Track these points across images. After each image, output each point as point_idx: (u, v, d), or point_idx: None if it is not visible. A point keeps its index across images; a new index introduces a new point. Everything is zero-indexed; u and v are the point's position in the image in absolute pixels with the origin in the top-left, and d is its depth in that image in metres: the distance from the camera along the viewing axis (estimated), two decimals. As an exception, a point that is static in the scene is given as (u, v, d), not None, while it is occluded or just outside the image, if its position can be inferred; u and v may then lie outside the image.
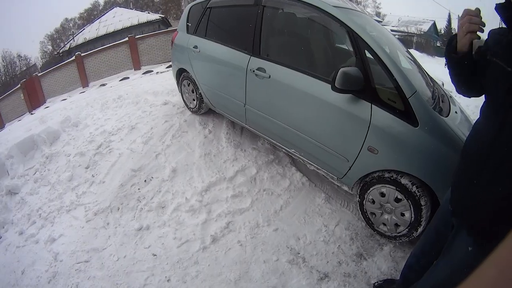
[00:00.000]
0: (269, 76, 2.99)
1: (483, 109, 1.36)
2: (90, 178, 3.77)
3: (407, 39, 29.23)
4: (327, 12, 2.64)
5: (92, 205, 3.36)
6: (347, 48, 2.87)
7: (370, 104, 2.36)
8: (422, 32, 34.83)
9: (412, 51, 18.97)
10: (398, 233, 2.54)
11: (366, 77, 2.33)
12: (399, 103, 2.26)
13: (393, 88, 2.29)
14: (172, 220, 3.04)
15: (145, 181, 3.55)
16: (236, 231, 2.88)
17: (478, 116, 1.41)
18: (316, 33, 3.18)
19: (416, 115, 2.19)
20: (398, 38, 3.70)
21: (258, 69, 3.08)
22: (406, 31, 35.08)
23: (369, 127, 2.37)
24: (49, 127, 4.91)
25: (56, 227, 3.22)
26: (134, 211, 3.20)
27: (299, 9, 2.98)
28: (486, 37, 1.42)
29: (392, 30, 32.74)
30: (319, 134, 2.77)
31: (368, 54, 2.40)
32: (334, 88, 2.30)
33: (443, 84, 3.51)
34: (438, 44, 35.77)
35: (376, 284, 2.40)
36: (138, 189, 3.46)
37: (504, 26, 1.32)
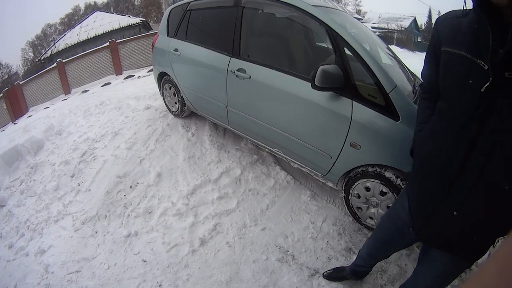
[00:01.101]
0: (250, 77, 3.00)
1: (444, 111, 1.19)
2: (76, 186, 3.72)
3: (388, 36, 29.48)
4: (306, 11, 2.66)
5: (80, 214, 3.32)
6: (327, 46, 2.90)
7: (350, 100, 2.38)
8: (402, 28, 35.25)
9: (393, 47, 19.14)
10: None
11: (346, 74, 2.35)
12: (380, 98, 2.28)
13: (373, 84, 2.31)
14: (159, 225, 3.03)
15: (130, 187, 3.53)
16: (224, 232, 2.88)
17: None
18: (296, 32, 3.19)
19: (397, 109, 2.21)
20: (378, 35, 3.74)
21: (239, 70, 3.09)
22: (387, 27, 35.41)
23: (350, 123, 2.39)
24: (33, 137, 4.83)
25: (45, 238, 3.18)
26: (122, 218, 3.18)
27: (278, 9, 2.99)
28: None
29: (373, 27, 33.07)
30: (301, 132, 2.80)
31: (348, 52, 2.41)
32: (314, 86, 2.31)
33: None
34: (419, 40, 36.30)
35: (325, 273, 2.46)
36: (124, 195, 3.44)
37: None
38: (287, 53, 3.07)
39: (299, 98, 2.65)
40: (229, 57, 3.21)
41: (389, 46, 3.43)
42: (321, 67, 2.25)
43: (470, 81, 1.03)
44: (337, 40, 2.45)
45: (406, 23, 37.80)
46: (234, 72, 3.13)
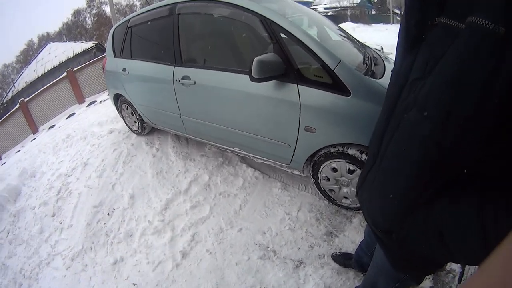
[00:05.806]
0: (195, 82, 3.00)
1: None
2: (58, 225, 3.69)
3: (341, 14, 29.55)
4: (238, 5, 2.64)
5: (67, 252, 3.30)
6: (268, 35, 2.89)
7: (296, 85, 2.34)
8: (355, 4, 35.34)
9: (348, 24, 19.35)
10: None
11: (287, 59, 2.33)
12: (326, 76, 2.23)
13: (316, 64, 2.26)
14: (141, 246, 3.03)
15: (108, 214, 3.52)
16: (203, 241, 2.88)
17: None
18: (233, 29, 3.11)
19: (346, 84, 2.16)
20: (332, 15, 3.78)
21: (183, 77, 3.09)
22: (339, 6, 35.47)
23: (300, 108, 2.36)
24: (9, 184, 4.75)
25: (41, 283, 3.15)
26: (106, 247, 3.18)
27: (212, 10, 2.96)
28: None
29: (325, 8, 33.25)
30: (255, 127, 2.79)
31: (285, 36, 2.39)
32: (252, 79, 2.28)
33: (382, 48, 3.52)
34: (373, 12, 36.73)
35: (334, 254, 2.44)
36: (104, 223, 3.43)
37: None
38: (227, 52, 3.05)
39: (245, 94, 2.65)
40: (173, 67, 3.21)
41: (340, 24, 3.46)
42: (256, 58, 2.21)
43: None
44: (272, 27, 2.43)
45: (357, -1, 37.97)
46: (179, 80, 3.12)
